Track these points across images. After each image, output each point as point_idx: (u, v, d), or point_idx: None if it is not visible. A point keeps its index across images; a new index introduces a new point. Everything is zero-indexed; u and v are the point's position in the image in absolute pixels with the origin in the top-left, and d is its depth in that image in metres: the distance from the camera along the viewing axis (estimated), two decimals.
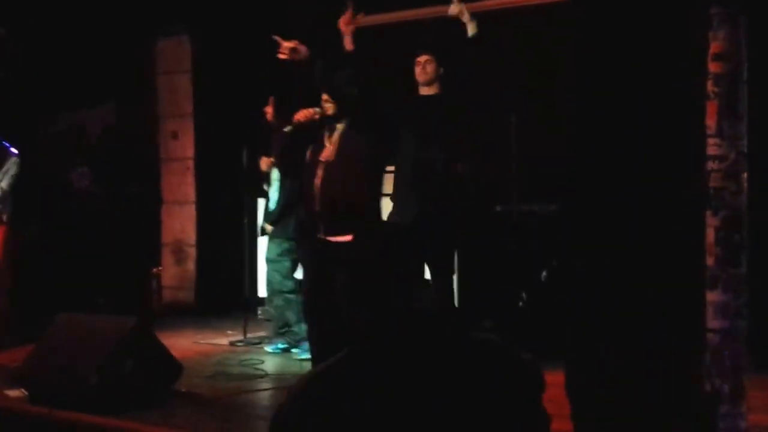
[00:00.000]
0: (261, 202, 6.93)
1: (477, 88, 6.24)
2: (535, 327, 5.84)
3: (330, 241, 4.77)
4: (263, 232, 6.54)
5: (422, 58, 5.69)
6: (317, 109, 5.05)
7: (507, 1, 6.98)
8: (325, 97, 5.02)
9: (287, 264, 6.35)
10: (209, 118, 8.40)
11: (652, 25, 6.57)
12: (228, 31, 8.09)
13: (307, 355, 5.93)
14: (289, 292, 6.34)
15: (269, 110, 6.54)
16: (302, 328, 6.08)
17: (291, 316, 6.33)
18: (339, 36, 7.83)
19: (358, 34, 7.61)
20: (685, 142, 5.35)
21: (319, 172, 4.86)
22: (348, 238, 4.64)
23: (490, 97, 6.66)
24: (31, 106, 8.76)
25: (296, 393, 1.92)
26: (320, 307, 4.85)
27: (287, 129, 5.16)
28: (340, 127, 4.96)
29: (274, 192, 6.48)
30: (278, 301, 6.40)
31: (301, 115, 5.06)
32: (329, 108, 5.00)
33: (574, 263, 6.30)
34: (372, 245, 4.50)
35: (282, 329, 6.46)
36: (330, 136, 4.97)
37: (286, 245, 6.36)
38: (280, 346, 6.45)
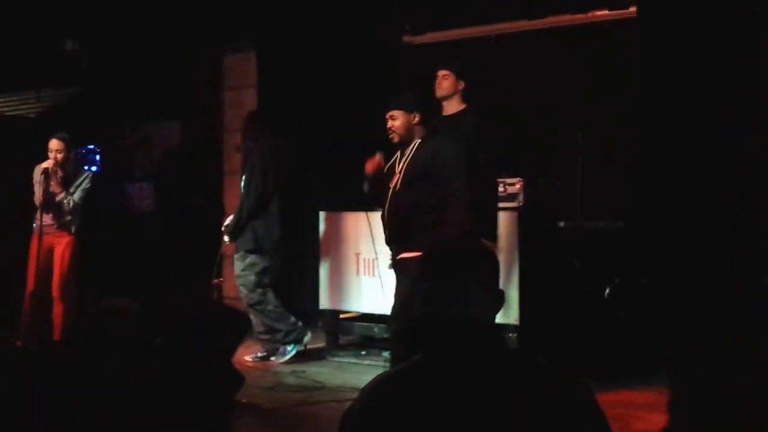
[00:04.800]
0: (321, 215, 7.00)
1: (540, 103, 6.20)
2: (598, 344, 5.79)
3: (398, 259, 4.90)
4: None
5: (440, 73, 5.53)
6: (379, 155, 5.05)
7: (574, 18, 6.96)
8: (389, 124, 4.98)
9: (252, 278, 6.48)
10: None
11: (721, 43, 6.50)
12: (294, 47, 8.19)
13: (287, 357, 6.39)
14: (256, 304, 6.47)
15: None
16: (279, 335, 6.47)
17: (263, 325, 6.51)
18: (402, 51, 7.93)
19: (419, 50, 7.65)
20: (756, 159, 5.28)
21: (388, 199, 4.96)
22: (414, 254, 4.75)
23: (555, 113, 6.64)
24: (100, 120, 8.97)
25: (368, 392, 1.95)
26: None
27: (366, 189, 5.20)
28: (407, 152, 4.98)
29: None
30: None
31: (370, 167, 5.07)
32: (394, 136, 4.98)
33: (639, 281, 6.24)
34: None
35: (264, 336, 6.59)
36: (399, 162, 5.01)
37: (248, 259, 6.49)
38: (259, 355, 6.60)
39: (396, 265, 4.94)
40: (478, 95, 5.80)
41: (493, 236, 5.52)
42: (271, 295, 6.53)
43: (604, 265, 6.06)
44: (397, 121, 4.92)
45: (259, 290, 6.49)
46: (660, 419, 4.99)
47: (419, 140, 4.94)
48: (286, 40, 8.22)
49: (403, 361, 4.22)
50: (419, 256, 4.69)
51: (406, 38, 7.89)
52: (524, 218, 6.09)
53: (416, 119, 4.91)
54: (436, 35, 7.70)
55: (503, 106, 6.82)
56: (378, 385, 1.98)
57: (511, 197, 6.27)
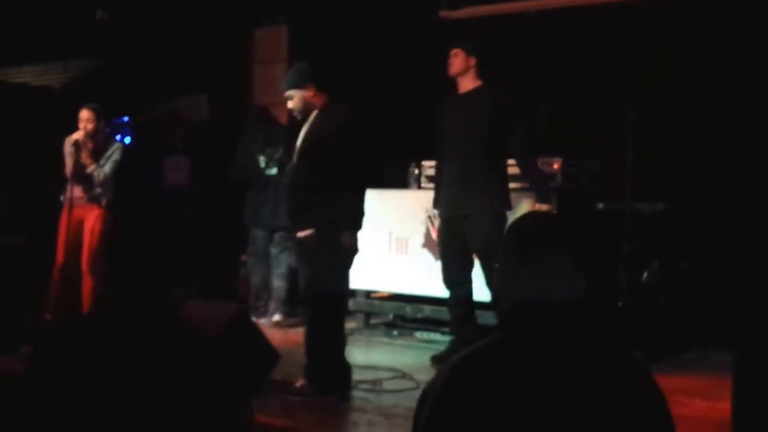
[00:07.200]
0: None
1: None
2: (635, 328, 5.71)
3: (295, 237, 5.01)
4: None
5: (450, 52, 5.53)
6: None
7: None
8: (288, 106, 5.04)
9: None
10: None
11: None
12: (326, 20, 8.09)
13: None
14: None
15: None
16: None
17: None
18: (430, 24, 7.80)
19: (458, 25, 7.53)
20: None
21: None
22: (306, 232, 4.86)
23: (600, 91, 6.50)
24: (128, 92, 8.89)
25: (450, 368, 1.96)
26: None
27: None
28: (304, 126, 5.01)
29: None
30: None
31: None
32: (297, 116, 5.04)
33: (677, 264, 6.14)
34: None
35: None
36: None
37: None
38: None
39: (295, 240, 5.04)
40: (517, 72, 5.70)
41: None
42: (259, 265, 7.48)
43: (644, 248, 5.96)
44: (292, 101, 4.97)
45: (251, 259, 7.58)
46: (700, 405, 4.88)
47: (315, 112, 4.97)
48: (319, 13, 8.11)
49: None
50: (311, 233, 4.82)
51: (443, 13, 7.78)
52: (562, 199, 5.99)
53: (311, 92, 4.94)
54: (472, 10, 7.58)
55: (542, 84, 6.70)
56: (460, 362, 1.97)
57: (550, 178, 6.16)
